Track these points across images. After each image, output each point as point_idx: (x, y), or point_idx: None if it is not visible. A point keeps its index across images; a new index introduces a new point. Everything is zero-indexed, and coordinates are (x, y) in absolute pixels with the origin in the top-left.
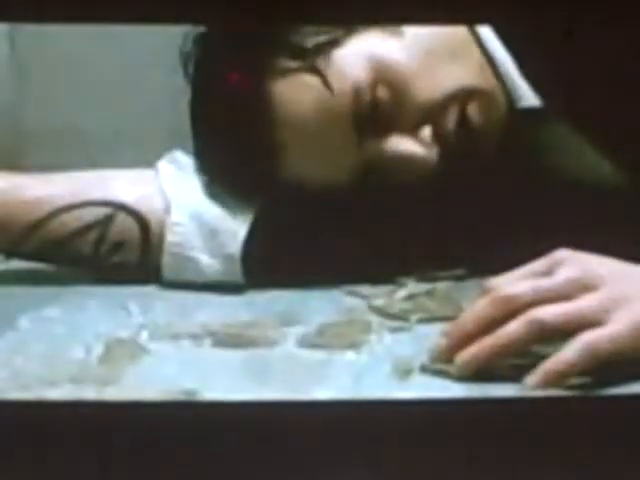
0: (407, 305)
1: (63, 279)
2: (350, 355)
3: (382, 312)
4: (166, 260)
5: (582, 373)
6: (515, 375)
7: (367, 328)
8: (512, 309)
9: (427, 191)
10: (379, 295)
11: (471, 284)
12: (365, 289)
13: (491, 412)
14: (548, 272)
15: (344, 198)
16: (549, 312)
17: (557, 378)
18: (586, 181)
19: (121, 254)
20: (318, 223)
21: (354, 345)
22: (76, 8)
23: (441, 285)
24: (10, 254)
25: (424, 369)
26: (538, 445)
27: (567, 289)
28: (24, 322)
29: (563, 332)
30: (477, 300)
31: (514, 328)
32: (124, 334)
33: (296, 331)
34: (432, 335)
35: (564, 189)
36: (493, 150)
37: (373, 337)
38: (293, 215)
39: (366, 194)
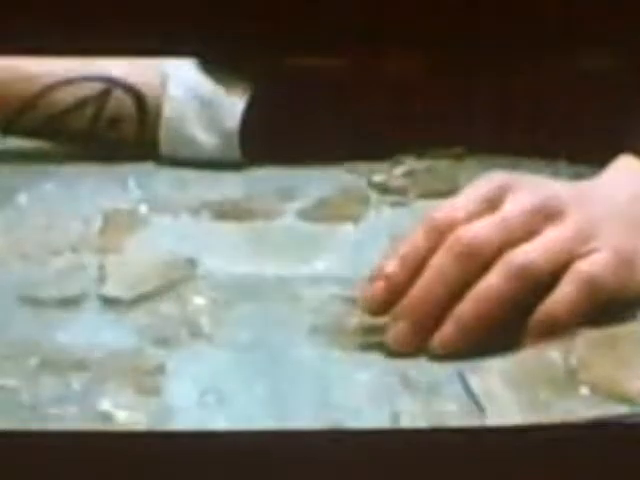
0: (406, 182)
1: (61, 156)
2: (349, 228)
3: (381, 188)
4: (163, 136)
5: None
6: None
7: (366, 202)
8: (482, 260)
9: (427, 66)
10: (378, 171)
11: (471, 163)
12: (364, 166)
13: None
14: (495, 202)
15: (344, 75)
16: (530, 254)
17: (562, 323)
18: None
19: (118, 130)
20: (317, 100)
21: (353, 218)
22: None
23: (440, 163)
24: (6, 132)
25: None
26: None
27: (532, 221)
28: (22, 198)
29: (550, 275)
30: (415, 243)
31: (495, 284)
32: (123, 207)
33: (295, 205)
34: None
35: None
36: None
37: (372, 211)
38: (292, 91)
39: (366, 71)
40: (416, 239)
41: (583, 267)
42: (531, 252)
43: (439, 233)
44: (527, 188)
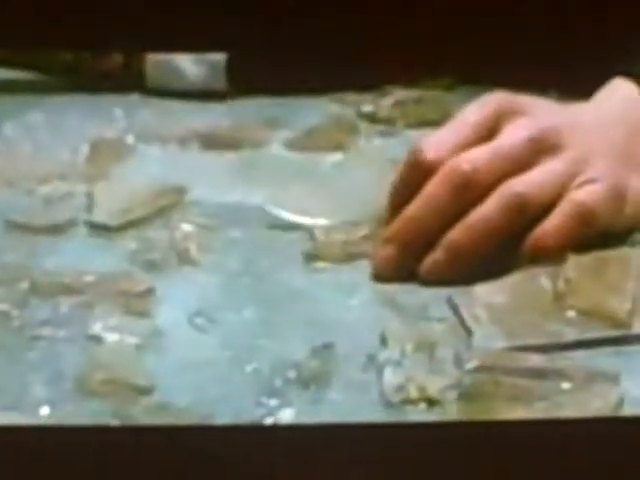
0: (395, 112)
1: (46, 88)
2: (338, 156)
3: (370, 118)
4: (149, 67)
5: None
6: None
7: (355, 132)
8: (478, 192)
9: None
10: (366, 101)
11: (461, 93)
12: (352, 96)
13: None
14: (490, 129)
15: (330, 3)
16: (526, 186)
17: (552, 249)
18: None
19: (104, 61)
20: (303, 30)
21: (342, 147)
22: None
23: (430, 93)
24: None
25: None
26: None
27: (529, 153)
28: (7, 129)
29: (544, 207)
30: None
31: (489, 213)
32: (110, 136)
33: (282, 134)
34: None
35: None
36: None
37: (362, 141)
38: (277, 21)
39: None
40: (406, 178)
41: (576, 196)
42: (527, 183)
43: (430, 173)
44: (524, 115)
